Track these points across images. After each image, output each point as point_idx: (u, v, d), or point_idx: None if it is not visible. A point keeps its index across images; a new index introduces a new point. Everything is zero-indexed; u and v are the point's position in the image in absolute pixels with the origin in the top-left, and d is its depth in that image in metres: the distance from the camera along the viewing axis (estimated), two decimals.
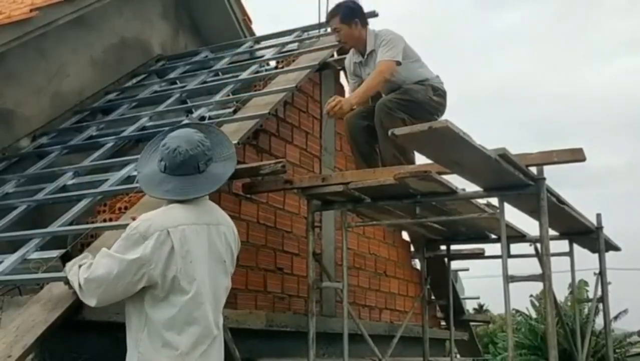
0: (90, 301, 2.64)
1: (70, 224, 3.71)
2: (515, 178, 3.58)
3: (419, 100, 4.54)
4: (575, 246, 5.47)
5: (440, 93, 4.67)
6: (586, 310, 13.27)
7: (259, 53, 6.32)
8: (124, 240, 2.60)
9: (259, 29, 7.35)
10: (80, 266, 2.70)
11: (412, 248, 6.92)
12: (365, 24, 4.71)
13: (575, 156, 3.47)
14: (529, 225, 4.71)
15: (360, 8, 4.76)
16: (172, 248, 2.56)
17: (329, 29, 5.93)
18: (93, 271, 2.60)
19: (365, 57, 4.68)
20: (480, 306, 26.03)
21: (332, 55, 5.45)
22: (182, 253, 2.58)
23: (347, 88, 6.01)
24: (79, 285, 2.65)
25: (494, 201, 4.01)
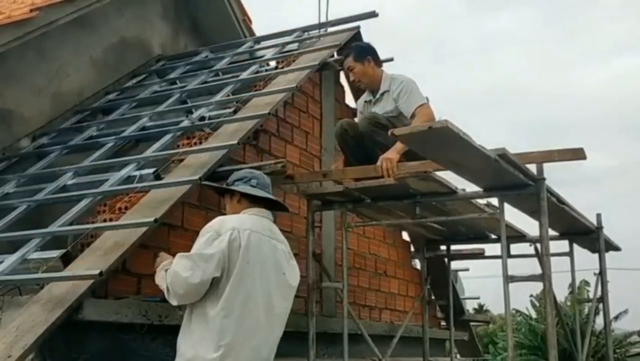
0: (173, 301, 2.81)
1: (70, 224, 3.71)
2: (515, 178, 3.59)
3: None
4: (575, 246, 5.47)
5: None
6: (586, 310, 13.26)
7: (259, 53, 6.32)
8: (201, 237, 2.83)
9: (259, 29, 7.37)
10: (166, 271, 2.85)
11: (412, 248, 6.93)
12: (379, 65, 4.62)
13: (577, 155, 3.49)
14: (529, 225, 4.71)
15: (372, 48, 4.67)
16: (239, 246, 2.78)
17: (329, 29, 5.94)
18: (175, 274, 2.77)
19: (377, 96, 4.57)
20: (480, 306, 26.04)
21: (332, 56, 5.45)
22: (245, 252, 2.79)
23: (347, 88, 6.02)
24: (167, 288, 2.82)
25: (494, 201, 4.01)
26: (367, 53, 4.58)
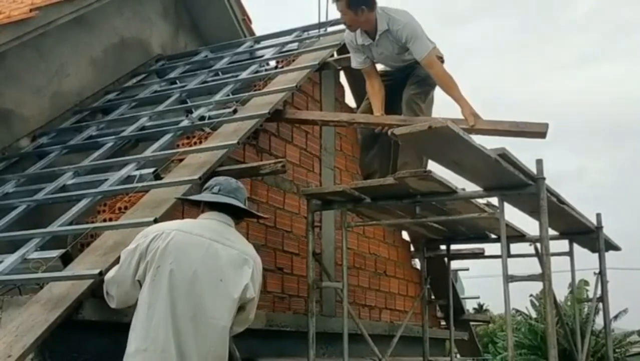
0: (111, 303, 2.86)
1: (70, 224, 3.71)
2: (515, 178, 3.59)
3: (432, 84, 4.43)
4: (575, 246, 5.47)
5: None
6: (586, 310, 13.28)
7: (258, 53, 6.32)
8: (130, 246, 2.81)
9: (258, 29, 7.37)
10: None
11: (412, 248, 6.93)
12: (372, 9, 4.38)
13: (541, 129, 3.64)
14: (529, 225, 4.71)
15: None
16: (157, 248, 2.70)
17: (328, 29, 5.94)
18: (107, 275, 2.89)
19: (377, 38, 4.43)
20: (480, 306, 26.02)
21: (332, 55, 5.45)
22: (166, 252, 2.69)
23: (347, 88, 6.02)
24: (105, 292, 2.88)
25: (494, 200, 4.01)
26: (361, 3, 4.34)
